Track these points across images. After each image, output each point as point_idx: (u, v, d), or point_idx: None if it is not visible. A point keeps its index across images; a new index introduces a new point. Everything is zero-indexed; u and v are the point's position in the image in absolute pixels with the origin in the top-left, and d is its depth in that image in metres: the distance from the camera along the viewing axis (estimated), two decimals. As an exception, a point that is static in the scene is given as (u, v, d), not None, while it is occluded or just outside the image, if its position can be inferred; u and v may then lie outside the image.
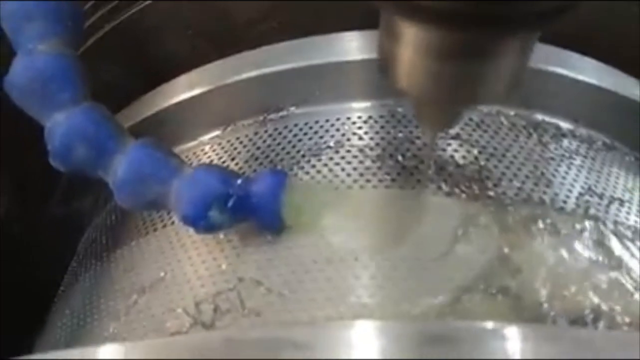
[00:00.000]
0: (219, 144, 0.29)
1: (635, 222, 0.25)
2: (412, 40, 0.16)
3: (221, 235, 0.23)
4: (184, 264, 0.23)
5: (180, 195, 0.20)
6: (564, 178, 0.25)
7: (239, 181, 0.21)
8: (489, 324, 0.15)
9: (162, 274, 0.23)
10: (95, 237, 0.32)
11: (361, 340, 0.15)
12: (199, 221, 0.20)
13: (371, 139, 0.26)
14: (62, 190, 0.37)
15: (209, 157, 0.29)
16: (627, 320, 0.19)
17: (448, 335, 0.14)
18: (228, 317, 0.20)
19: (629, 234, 0.24)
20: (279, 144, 0.27)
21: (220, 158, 0.28)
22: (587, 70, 0.29)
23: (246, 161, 0.27)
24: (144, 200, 0.21)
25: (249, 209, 0.21)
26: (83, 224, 0.36)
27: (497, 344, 0.14)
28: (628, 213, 0.25)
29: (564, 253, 0.21)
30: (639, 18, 0.31)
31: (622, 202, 0.25)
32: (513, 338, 0.15)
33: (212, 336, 0.17)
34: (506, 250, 0.20)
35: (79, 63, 0.22)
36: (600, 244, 0.22)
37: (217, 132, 0.30)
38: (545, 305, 0.19)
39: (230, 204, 0.20)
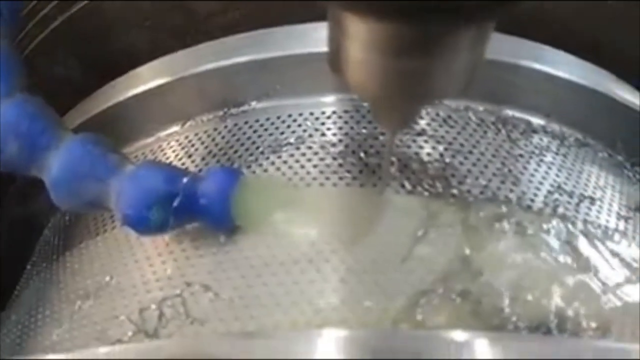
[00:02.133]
0: (177, 140, 0.28)
1: (607, 221, 0.24)
2: (359, 36, 0.15)
3: (172, 237, 0.22)
4: (130, 267, 0.22)
5: (120, 195, 0.19)
6: (532, 175, 0.24)
7: (186, 179, 0.19)
8: (441, 333, 0.14)
9: (107, 278, 0.22)
10: (49, 239, 0.30)
11: (308, 352, 0.14)
12: (141, 222, 0.19)
13: (334, 134, 0.25)
14: (17, 189, 0.35)
15: (166, 154, 0.27)
16: (593, 325, 0.18)
17: (396, 346, 0.13)
18: (172, 325, 0.19)
19: (599, 233, 0.23)
20: (238, 140, 0.26)
21: (177, 155, 0.27)
22: (559, 64, 0.28)
23: (203, 158, 0.26)
24: (81, 201, 0.19)
25: (196, 210, 0.20)
26: (42, 224, 0.34)
27: (449, 353, 0.13)
28: (599, 212, 0.24)
29: (529, 254, 0.20)
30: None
31: (592, 200, 0.24)
32: (466, 347, 0.14)
33: (147, 347, 0.15)
34: (468, 251, 0.19)
35: (13, 54, 0.21)
36: (568, 244, 0.21)
37: (175, 128, 0.28)
38: (507, 310, 0.18)
39: (175, 203, 0.19)
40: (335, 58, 0.17)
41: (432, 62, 0.15)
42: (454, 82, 0.16)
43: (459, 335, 0.14)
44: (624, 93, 0.29)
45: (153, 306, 0.20)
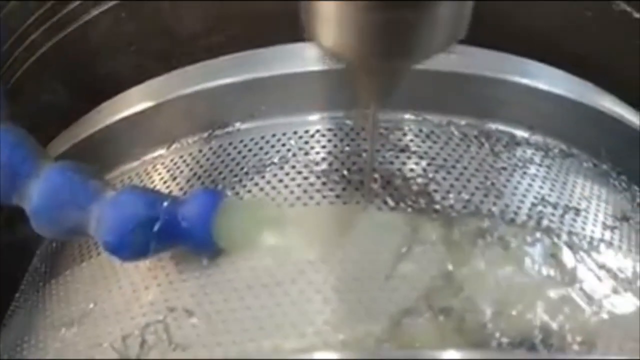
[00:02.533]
0: (162, 163, 0.28)
1: (592, 231, 0.24)
2: None
3: (155, 261, 0.22)
4: (114, 294, 0.21)
5: (101, 221, 0.19)
6: (515, 188, 0.24)
7: (166, 203, 0.19)
8: (425, 352, 0.14)
9: (91, 305, 0.22)
10: (37, 266, 0.30)
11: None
12: (121, 248, 0.19)
13: (317, 153, 0.25)
14: (5, 215, 0.35)
15: (151, 177, 0.27)
16: (578, 339, 0.18)
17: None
18: (155, 352, 0.19)
19: (584, 244, 0.23)
20: (222, 161, 0.26)
21: (162, 178, 0.27)
22: (541, 77, 0.28)
23: (188, 181, 0.26)
24: (63, 228, 0.19)
25: (178, 233, 0.20)
26: (32, 251, 0.34)
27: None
28: (584, 222, 0.24)
29: (513, 268, 0.20)
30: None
31: (577, 211, 0.24)
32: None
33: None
34: (450, 267, 0.19)
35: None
36: (553, 257, 0.21)
37: (161, 151, 0.28)
38: (490, 326, 0.17)
39: (155, 228, 0.19)
40: (310, 21, 0.16)
41: (410, 14, 0.14)
42: (436, 38, 0.15)
43: (443, 354, 0.14)
44: (607, 103, 0.29)
45: (136, 332, 0.19)
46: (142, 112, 0.28)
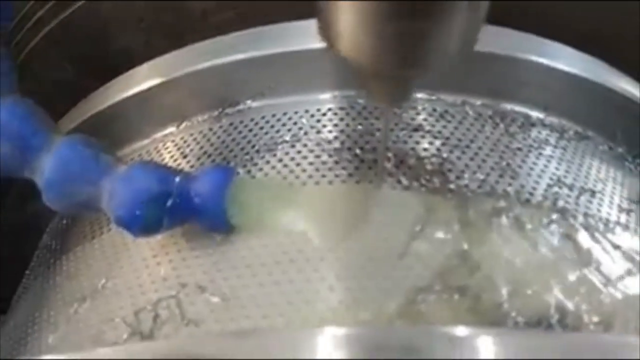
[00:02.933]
0: (173, 141, 0.27)
1: (608, 213, 0.23)
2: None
3: (167, 237, 0.22)
4: (126, 270, 0.21)
5: (113, 196, 0.19)
6: (531, 169, 0.23)
7: (178, 179, 0.19)
8: (440, 329, 0.14)
9: (103, 280, 0.22)
10: (47, 243, 0.30)
11: (304, 352, 0.14)
12: (133, 223, 0.18)
13: (329, 132, 0.25)
14: (17, 193, 0.35)
15: (161, 155, 0.27)
16: (594, 319, 0.18)
17: (394, 343, 0.13)
18: (168, 327, 0.19)
19: (600, 226, 0.22)
20: (233, 139, 0.26)
21: (173, 156, 0.26)
22: (558, 57, 0.27)
23: (198, 158, 0.25)
24: (74, 202, 0.19)
25: (190, 209, 0.19)
26: (42, 228, 0.34)
27: (448, 349, 0.13)
28: (600, 204, 0.24)
29: (528, 248, 0.19)
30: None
31: (593, 193, 0.24)
32: (466, 344, 0.13)
33: (139, 348, 0.15)
34: (466, 246, 0.19)
35: (5, 56, 0.20)
36: (569, 237, 0.21)
37: (171, 129, 0.28)
38: (506, 306, 0.17)
39: (168, 203, 0.19)
40: (325, 28, 0.16)
41: (427, 24, 0.14)
42: (449, 50, 0.15)
43: (458, 331, 0.14)
44: (623, 85, 0.28)
45: (148, 308, 0.19)
46: (152, 90, 0.28)
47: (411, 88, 0.19)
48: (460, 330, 0.14)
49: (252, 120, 0.26)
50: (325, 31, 0.16)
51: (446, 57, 0.16)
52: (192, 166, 0.25)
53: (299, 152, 0.24)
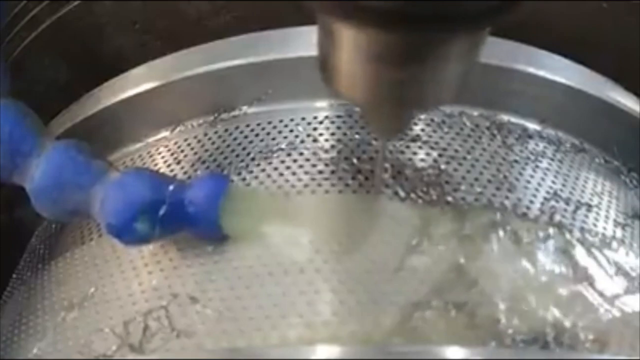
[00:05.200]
0: (166, 146, 0.27)
1: (604, 228, 0.23)
2: (349, 43, 0.15)
3: (159, 246, 0.21)
4: (116, 278, 0.21)
5: (104, 203, 0.18)
6: (528, 182, 0.23)
7: (172, 187, 0.19)
8: (435, 349, 0.13)
9: (92, 289, 0.21)
10: (35, 247, 0.29)
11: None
12: (125, 232, 0.18)
13: (326, 140, 0.24)
14: (5, 194, 0.34)
15: (154, 160, 0.26)
16: (590, 337, 0.17)
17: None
18: (157, 339, 0.18)
19: (596, 241, 0.22)
20: (228, 146, 0.25)
21: (166, 161, 0.26)
22: (556, 69, 0.27)
23: (192, 165, 0.25)
24: (64, 209, 0.19)
25: (184, 218, 0.19)
26: (30, 232, 0.34)
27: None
28: (596, 219, 0.23)
29: (525, 263, 0.19)
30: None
31: (589, 207, 0.24)
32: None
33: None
34: (462, 260, 0.19)
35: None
36: (565, 253, 0.20)
37: (164, 134, 0.28)
38: (503, 322, 0.17)
39: (161, 212, 0.18)
40: (325, 66, 0.16)
41: (423, 70, 0.14)
42: (446, 90, 0.15)
43: (454, 351, 0.14)
44: (620, 98, 0.28)
45: (138, 318, 0.19)
46: (146, 93, 0.27)
47: (408, 122, 0.19)
48: (455, 351, 0.14)
49: (247, 126, 0.26)
50: (323, 67, 0.16)
51: (442, 97, 0.16)
52: (185, 172, 0.25)
53: (295, 160, 0.23)
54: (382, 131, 0.19)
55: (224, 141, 0.25)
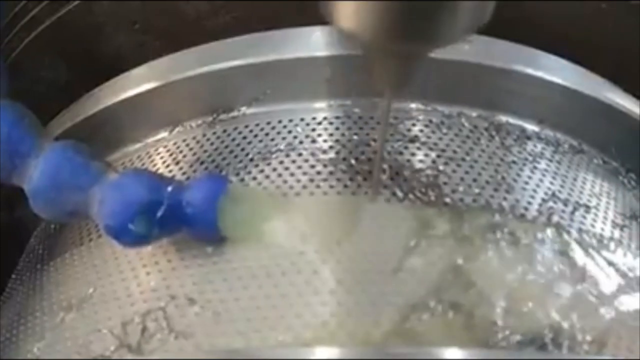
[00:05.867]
0: (165, 146, 0.27)
1: (602, 229, 0.23)
2: None
3: (157, 247, 0.21)
4: (114, 278, 0.21)
5: (103, 204, 0.18)
6: (526, 183, 0.23)
7: (170, 188, 0.19)
8: (433, 350, 0.13)
9: (90, 290, 0.21)
10: (34, 248, 0.29)
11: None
12: (123, 233, 0.18)
13: (324, 141, 0.24)
14: (4, 197, 0.34)
15: (153, 161, 0.27)
16: (588, 338, 0.17)
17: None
18: (156, 340, 0.18)
19: (594, 242, 0.22)
20: (227, 146, 0.25)
21: (165, 162, 0.26)
22: (554, 70, 0.27)
23: (191, 165, 0.25)
24: (62, 210, 0.19)
25: (182, 219, 0.19)
26: (29, 232, 0.34)
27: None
28: (594, 220, 0.24)
29: (523, 264, 0.19)
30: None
31: (588, 208, 0.24)
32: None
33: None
34: (460, 261, 0.19)
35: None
36: (563, 254, 0.21)
37: (163, 134, 0.28)
38: (500, 323, 0.17)
39: (159, 213, 0.18)
40: (328, 3, 0.15)
41: None
42: (459, 22, 0.14)
43: (452, 352, 0.14)
44: (618, 99, 0.29)
45: (137, 319, 0.19)
46: (145, 93, 0.27)
47: (414, 69, 0.18)
48: (452, 352, 0.14)
49: (246, 127, 0.26)
50: (327, 5, 0.15)
51: (454, 33, 0.15)
52: (184, 173, 0.25)
53: (293, 161, 0.23)
54: (387, 78, 0.17)
55: (222, 142, 0.26)
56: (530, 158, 0.25)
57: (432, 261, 0.19)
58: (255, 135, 0.25)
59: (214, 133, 0.26)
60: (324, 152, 0.24)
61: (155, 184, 0.19)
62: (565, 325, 0.18)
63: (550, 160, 0.25)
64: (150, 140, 0.28)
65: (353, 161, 0.23)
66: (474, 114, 0.26)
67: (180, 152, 0.26)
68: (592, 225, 0.23)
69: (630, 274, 0.21)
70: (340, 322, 0.17)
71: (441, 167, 0.23)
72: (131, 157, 0.28)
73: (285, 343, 0.17)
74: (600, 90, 0.28)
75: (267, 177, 0.23)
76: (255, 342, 0.17)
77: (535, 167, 0.24)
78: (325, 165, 0.23)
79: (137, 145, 0.28)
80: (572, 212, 0.23)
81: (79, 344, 0.20)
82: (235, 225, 0.20)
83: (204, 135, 0.26)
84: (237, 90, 0.26)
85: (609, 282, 0.21)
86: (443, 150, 0.24)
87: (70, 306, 0.21)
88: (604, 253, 0.22)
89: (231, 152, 0.25)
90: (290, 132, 0.25)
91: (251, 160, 0.24)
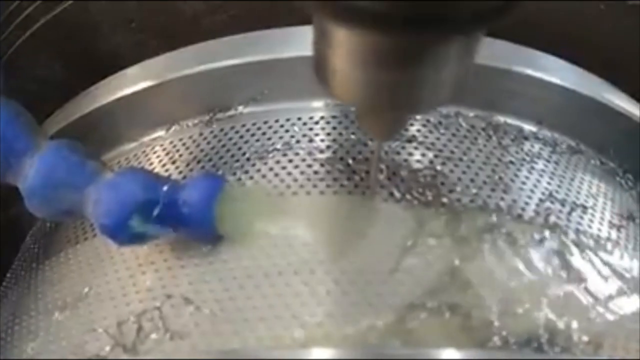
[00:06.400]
0: (161, 145, 0.27)
1: (599, 230, 0.23)
2: (343, 44, 0.15)
3: (153, 247, 0.21)
4: (110, 278, 0.21)
5: (98, 203, 0.18)
6: (523, 183, 0.23)
7: (166, 187, 0.19)
8: (430, 351, 0.13)
9: (86, 289, 0.21)
10: (30, 247, 0.29)
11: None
12: (119, 232, 0.18)
13: (322, 141, 0.24)
14: (0, 196, 0.34)
15: (149, 159, 0.26)
16: (585, 338, 0.17)
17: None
18: (151, 340, 0.18)
19: (591, 243, 0.22)
20: (223, 145, 0.25)
21: (161, 161, 0.26)
22: (552, 70, 0.27)
23: (187, 164, 0.25)
24: (58, 209, 0.19)
25: (178, 218, 0.19)
26: (25, 231, 0.34)
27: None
28: (591, 221, 0.23)
29: (520, 265, 0.19)
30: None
31: (585, 208, 0.24)
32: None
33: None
34: (457, 262, 0.19)
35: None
36: (560, 254, 0.20)
37: (160, 133, 0.28)
38: (496, 324, 0.17)
39: (155, 212, 0.18)
40: (320, 66, 0.16)
41: (417, 73, 0.14)
42: (441, 93, 0.15)
43: (448, 353, 0.14)
44: (617, 100, 0.29)
45: (132, 319, 0.19)
46: (141, 92, 0.27)
47: (403, 124, 0.19)
48: (449, 353, 0.14)
49: (243, 126, 0.26)
50: (318, 67, 0.16)
51: (438, 100, 0.16)
52: (180, 172, 0.25)
53: (290, 160, 0.23)
54: (377, 134, 0.19)
55: (219, 141, 0.25)
56: (528, 158, 0.25)
57: (429, 261, 0.19)
58: (252, 135, 0.25)
59: (211, 132, 0.26)
60: (321, 151, 0.24)
61: (151, 183, 0.19)
62: (561, 325, 0.18)
63: (548, 161, 0.25)
64: (147, 139, 0.28)
65: (350, 161, 0.23)
66: (472, 114, 0.26)
67: (177, 151, 0.26)
68: (589, 226, 0.23)
69: (627, 275, 0.21)
70: (336, 322, 0.17)
71: (438, 167, 0.23)
72: (127, 156, 0.27)
73: (281, 343, 0.17)
74: (599, 90, 0.28)
75: (264, 176, 0.23)
76: (252, 342, 0.17)
77: (532, 168, 0.24)
78: (322, 165, 0.23)
79: (133, 144, 0.28)
80: (569, 213, 0.23)
81: (74, 344, 0.20)
82: (232, 225, 0.20)
83: (201, 134, 0.26)
84: (234, 89, 0.26)
85: (605, 283, 0.21)
86: (440, 150, 0.23)
87: (65, 305, 0.21)
88: (601, 254, 0.22)
89: (228, 151, 0.25)
90: (287, 131, 0.25)
91: (248, 159, 0.24)
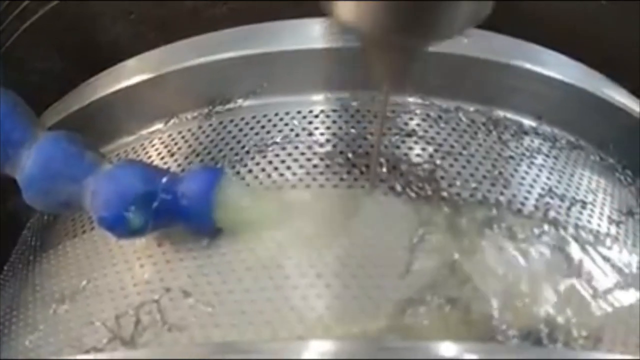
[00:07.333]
0: (160, 138, 0.27)
1: (598, 225, 0.23)
2: None
3: (151, 239, 0.21)
4: (108, 271, 0.21)
5: (96, 195, 0.18)
6: (523, 178, 0.23)
7: (165, 179, 0.19)
8: (429, 345, 0.13)
9: (84, 282, 0.21)
10: (27, 239, 0.29)
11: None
12: (117, 225, 0.18)
13: (321, 134, 0.24)
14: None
15: (148, 152, 0.26)
16: (584, 333, 0.17)
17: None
18: (149, 333, 0.18)
19: (590, 238, 0.22)
20: (222, 139, 0.25)
21: (160, 154, 0.26)
22: (552, 65, 0.27)
23: (186, 157, 0.25)
24: (55, 201, 0.19)
25: (176, 211, 0.19)
26: (22, 223, 0.33)
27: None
28: (590, 216, 0.23)
29: (520, 260, 0.19)
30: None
31: (584, 204, 0.24)
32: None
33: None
34: (457, 256, 0.19)
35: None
36: (559, 249, 0.20)
37: (158, 126, 0.27)
38: (497, 318, 0.17)
39: (154, 205, 0.18)
40: None
41: None
42: (460, 16, 0.14)
43: (447, 347, 0.14)
44: (616, 95, 0.28)
45: (130, 312, 0.19)
46: (140, 85, 0.27)
47: (412, 63, 0.18)
48: (448, 347, 0.14)
49: (242, 119, 0.26)
50: None
51: (453, 28, 0.15)
52: (179, 165, 0.25)
53: (289, 154, 0.23)
54: (385, 71, 0.18)
55: (218, 134, 0.25)
56: (528, 153, 0.25)
57: (429, 256, 0.19)
58: (252, 128, 0.25)
59: (210, 125, 0.26)
60: (321, 145, 0.23)
61: (150, 175, 0.19)
62: (560, 320, 0.18)
63: (548, 156, 0.25)
64: (145, 131, 0.27)
65: (350, 154, 0.23)
66: (472, 109, 0.26)
67: (176, 144, 0.26)
68: (589, 221, 0.23)
69: (626, 270, 0.21)
70: (336, 316, 0.17)
71: (438, 162, 0.23)
72: (126, 149, 0.27)
73: (280, 336, 0.17)
74: (599, 86, 0.28)
75: (263, 169, 0.23)
76: (250, 335, 0.17)
77: (532, 163, 0.24)
78: (321, 159, 0.23)
79: (132, 137, 0.28)
80: (569, 208, 0.23)
81: (72, 337, 0.19)
82: (230, 217, 0.20)
83: (200, 127, 0.26)
84: (233, 82, 0.26)
85: (604, 278, 0.21)
86: (440, 145, 0.23)
87: (63, 298, 0.21)
88: (600, 249, 0.22)
89: (227, 144, 0.25)
90: (286, 124, 0.25)
91: (247, 152, 0.24)
